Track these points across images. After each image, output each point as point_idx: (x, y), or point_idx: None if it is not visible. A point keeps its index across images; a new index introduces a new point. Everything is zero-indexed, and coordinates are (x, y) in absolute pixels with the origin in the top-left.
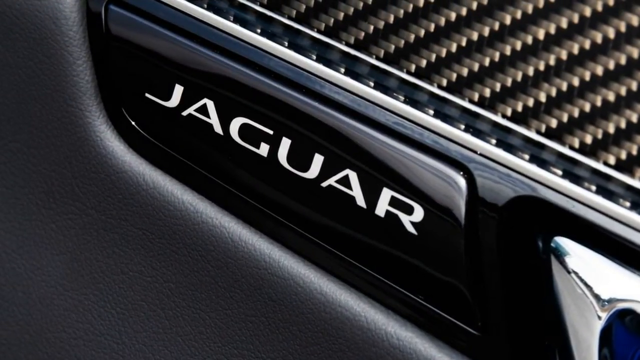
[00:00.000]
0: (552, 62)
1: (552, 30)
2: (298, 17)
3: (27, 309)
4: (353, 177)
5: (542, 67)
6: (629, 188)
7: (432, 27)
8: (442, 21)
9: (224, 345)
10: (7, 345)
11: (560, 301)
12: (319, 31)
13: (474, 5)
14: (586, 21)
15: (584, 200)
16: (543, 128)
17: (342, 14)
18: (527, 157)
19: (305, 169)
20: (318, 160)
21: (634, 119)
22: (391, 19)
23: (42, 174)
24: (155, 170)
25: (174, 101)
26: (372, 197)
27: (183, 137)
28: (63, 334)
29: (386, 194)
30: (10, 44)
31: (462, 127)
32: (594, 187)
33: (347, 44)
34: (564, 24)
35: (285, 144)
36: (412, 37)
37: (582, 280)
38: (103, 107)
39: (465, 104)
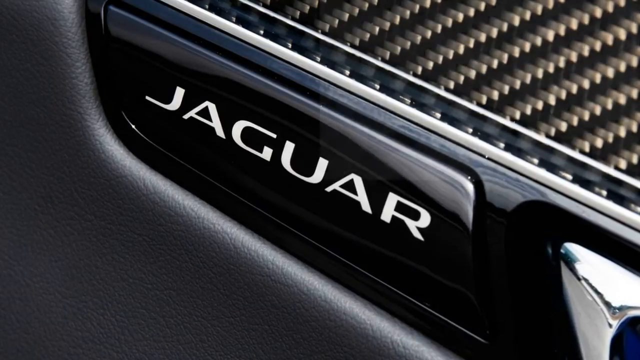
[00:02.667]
0: (561, 64)
1: (562, 32)
2: (302, 19)
3: (25, 317)
4: (358, 181)
5: (551, 69)
6: None
7: (439, 28)
8: (450, 22)
9: (226, 354)
10: (5, 353)
11: (570, 309)
12: (323, 33)
13: (482, 7)
14: (597, 22)
15: (595, 205)
16: (552, 132)
17: (347, 15)
18: (536, 161)
19: (309, 173)
20: (322, 164)
21: None
22: (397, 21)
23: (40, 179)
24: (156, 174)
25: (175, 104)
26: (377, 203)
27: (184, 140)
28: (62, 342)
29: (392, 199)
30: (7, 46)
31: (470, 130)
32: (604, 192)
33: (352, 46)
34: (573, 25)
35: (289, 147)
36: (419, 38)
37: (592, 287)
38: (102, 110)
39: (473, 107)
